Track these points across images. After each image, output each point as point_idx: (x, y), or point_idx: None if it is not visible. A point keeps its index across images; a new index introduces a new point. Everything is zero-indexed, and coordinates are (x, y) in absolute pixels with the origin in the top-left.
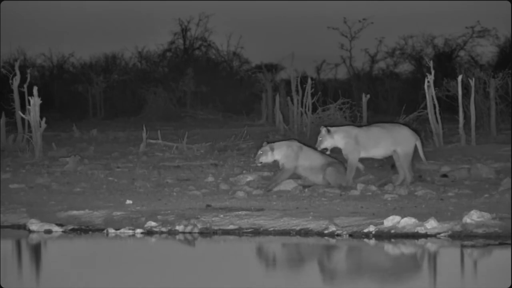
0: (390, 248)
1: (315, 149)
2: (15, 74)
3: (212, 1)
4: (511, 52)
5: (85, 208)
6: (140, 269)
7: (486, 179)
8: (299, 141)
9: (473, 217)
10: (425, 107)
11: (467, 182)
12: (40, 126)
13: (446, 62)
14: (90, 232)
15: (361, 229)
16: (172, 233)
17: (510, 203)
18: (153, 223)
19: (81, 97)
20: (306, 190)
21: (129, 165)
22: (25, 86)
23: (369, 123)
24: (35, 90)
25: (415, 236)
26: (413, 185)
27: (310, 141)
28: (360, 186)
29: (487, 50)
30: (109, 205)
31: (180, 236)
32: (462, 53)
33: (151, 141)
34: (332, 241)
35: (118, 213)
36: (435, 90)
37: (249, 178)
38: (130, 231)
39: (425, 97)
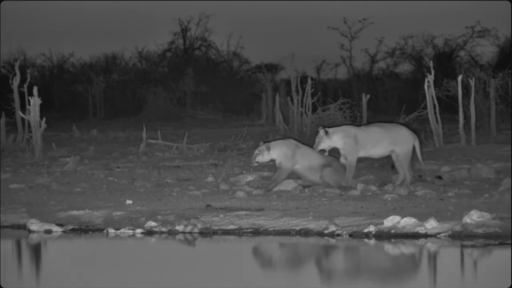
0: (390, 248)
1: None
2: (15, 74)
3: (212, 1)
4: (511, 52)
5: (85, 208)
6: (140, 269)
7: (486, 179)
8: (296, 140)
9: (473, 217)
10: (425, 107)
11: (467, 182)
12: (40, 126)
13: (446, 62)
14: (90, 232)
15: (361, 229)
16: (172, 233)
17: (510, 203)
18: (153, 223)
19: (81, 97)
20: (306, 190)
21: (129, 165)
22: (25, 86)
23: (369, 123)
24: (35, 90)
25: (415, 236)
26: (413, 185)
27: (310, 141)
28: (360, 186)
29: (487, 50)
30: (109, 205)
31: (180, 236)
32: (462, 53)
33: (151, 141)
34: (332, 241)
35: (118, 213)
36: (435, 90)
37: (249, 178)
38: (130, 231)
39: (425, 97)
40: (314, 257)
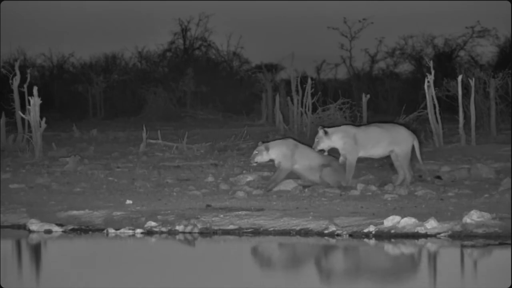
0: (390, 248)
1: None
2: (15, 74)
3: (212, 1)
4: (511, 52)
5: (85, 208)
6: (140, 269)
7: (486, 179)
8: (295, 139)
9: (473, 217)
10: (425, 107)
11: (467, 182)
12: (40, 126)
13: (446, 62)
14: (90, 232)
15: (361, 229)
16: (172, 233)
17: (510, 203)
18: (153, 223)
19: (81, 97)
20: (306, 190)
21: (129, 165)
22: (25, 86)
23: (368, 123)
24: (35, 90)
25: (415, 236)
26: (413, 185)
27: (310, 141)
28: (360, 186)
29: (487, 50)
30: (109, 205)
31: (180, 236)
32: (462, 53)
33: (151, 141)
34: (332, 241)
35: (118, 213)
36: (435, 90)
37: (249, 178)
38: (130, 231)
39: (425, 97)
40: (314, 257)
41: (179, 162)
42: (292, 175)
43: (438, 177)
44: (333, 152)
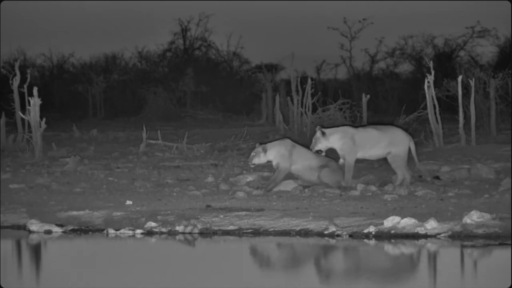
0: (390, 248)
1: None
2: (15, 74)
3: (212, 1)
4: (511, 52)
5: (85, 208)
6: (140, 269)
7: (486, 179)
8: (292, 140)
9: (473, 218)
10: (425, 107)
11: (467, 182)
12: (40, 126)
13: (446, 62)
14: (90, 233)
15: (361, 229)
16: (172, 233)
17: (510, 203)
18: (153, 224)
19: (81, 97)
20: (306, 190)
21: (129, 165)
22: (25, 86)
23: (369, 124)
24: (35, 90)
25: (415, 236)
26: (413, 185)
27: (310, 142)
28: (360, 186)
29: (487, 50)
30: (109, 205)
31: (180, 237)
32: (462, 53)
33: (151, 141)
34: (332, 241)
35: (118, 213)
36: (435, 90)
37: (249, 178)
38: (130, 231)
39: (425, 97)
40: (314, 258)
41: (179, 162)
42: (292, 175)
43: (437, 178)
44: (331, 153)
